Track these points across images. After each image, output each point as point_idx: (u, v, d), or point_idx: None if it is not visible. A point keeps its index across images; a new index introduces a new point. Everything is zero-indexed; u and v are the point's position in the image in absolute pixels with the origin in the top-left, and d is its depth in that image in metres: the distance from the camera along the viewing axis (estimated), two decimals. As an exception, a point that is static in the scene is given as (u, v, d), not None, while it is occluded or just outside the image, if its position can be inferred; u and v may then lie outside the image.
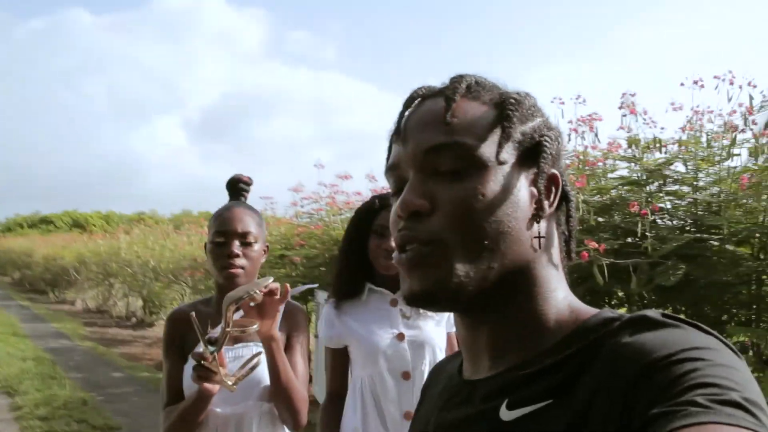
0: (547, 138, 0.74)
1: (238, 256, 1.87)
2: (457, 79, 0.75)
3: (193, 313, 1.59)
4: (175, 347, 1.91)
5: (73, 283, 19.42)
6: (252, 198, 2.10)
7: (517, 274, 0.71)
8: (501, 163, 0.70)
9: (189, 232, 11.91)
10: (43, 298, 21.40)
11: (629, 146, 4.12)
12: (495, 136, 0.71)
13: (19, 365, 8.64)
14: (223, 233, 1.89)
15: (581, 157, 4.11)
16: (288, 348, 1.90)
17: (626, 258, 3.20)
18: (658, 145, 3.89)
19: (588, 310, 0.72)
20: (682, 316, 0.63)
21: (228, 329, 1.51)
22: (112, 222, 39.62)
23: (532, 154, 0.73)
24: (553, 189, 0.75)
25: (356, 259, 2.11)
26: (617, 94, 4.29)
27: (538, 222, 0.72)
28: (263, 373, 1.81)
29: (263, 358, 1.75)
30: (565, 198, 0.77)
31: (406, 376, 2.02)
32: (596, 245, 2.94)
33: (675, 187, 3.77)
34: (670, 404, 0.53)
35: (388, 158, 0.78)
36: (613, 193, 3.92)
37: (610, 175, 4.09)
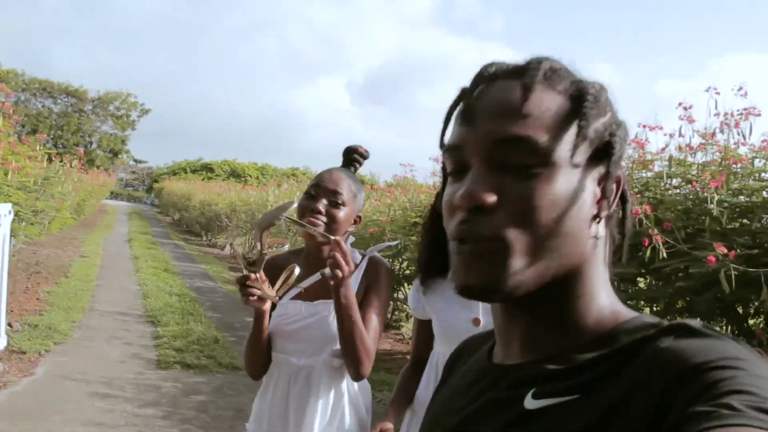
0: (617, 137, 0.71)
1: (321, 212, 1.95)
2: (534, 64, 0.71)
3: (237, 247, 1.81)
4: None
5: (224, 229, 20.59)
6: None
7: (569, 274, 0.70)
8: (576, 165, 0.69)
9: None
10: (196, 240, 22.94)
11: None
12: (570, 134, 0.69)
13: (165, 299, 9.36)
14: (315, 187, 1.99)
15: (724, 153, 3.84)
16: (363, 301, 1.98)
17: (765, 267, 2.99)
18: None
19: (628, 313, 0.71)
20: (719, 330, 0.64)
21: (263, 251, 1.70)
22: (267, 174, 41.43)
23: (601, 152, 0.71)
24: (615, 189, 0.73)
25: (437, 237, 2.11)
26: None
27: (597, 223, 0.71)
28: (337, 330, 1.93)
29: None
30: (623, 199, 0.76)
31: None
32: (725, 250, 2.77)
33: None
34: (704, 406, 0.53)
35: (444, 132, 0.76)
36: (760, 195, 3.66)
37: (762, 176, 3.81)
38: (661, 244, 3.06)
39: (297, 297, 2.02)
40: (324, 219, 1.95)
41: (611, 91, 0.74)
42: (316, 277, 2.00)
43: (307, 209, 1.97)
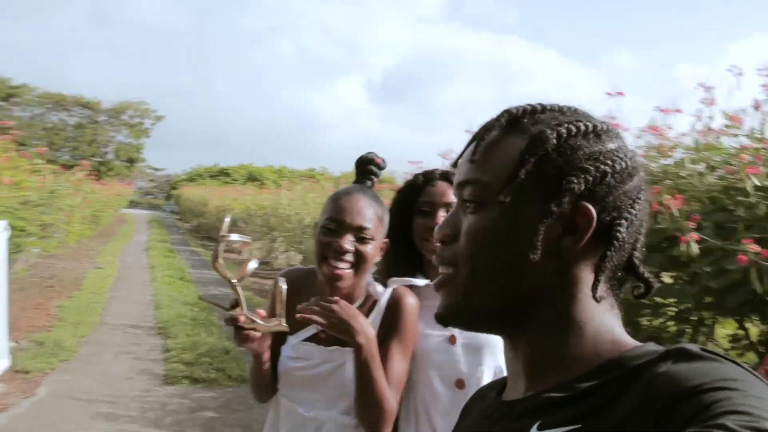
0: (577, 172, 0.72)
1: (348, 251, 1.65)
2: (501, 114, 0.77)
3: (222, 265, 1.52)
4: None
5: (241, 233, 20.49)
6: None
7: (529, 306, 0.74)
8: (501, 201, 0.73)
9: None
10: (214, 246, 22.82)
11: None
12: (518, 174, 0.73)
13: (178, 309, 9.17)
14: (335, 222, 1.67)
15: (762, 136, 3.55)
16: (383, 348, 1.69)
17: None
18: None
19: (631, 342, 0.72)
20: (720, 351, 0.65)
21: (235, 284, 1.51)
22: (284, 176, 41.25)
23: (559, 189, 0.72)
24: (584, 225, 0.72)
25: (401, 246, 1.83)
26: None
27: (559, 257, 0.73)
28: (353, 386, 1.66)
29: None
30: (607, 232, 0.73)
31: (459, 384, 1.75)
32: (758, 248, 2.49)
33: None
34: (698, 427, 0.53)
35: None
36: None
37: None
38: (694, 242, 2.78)
39: (311, 339, 1.75)
40: (351, 259, 1.66)
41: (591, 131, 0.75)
42: None
43: (328, 248, 1.66)
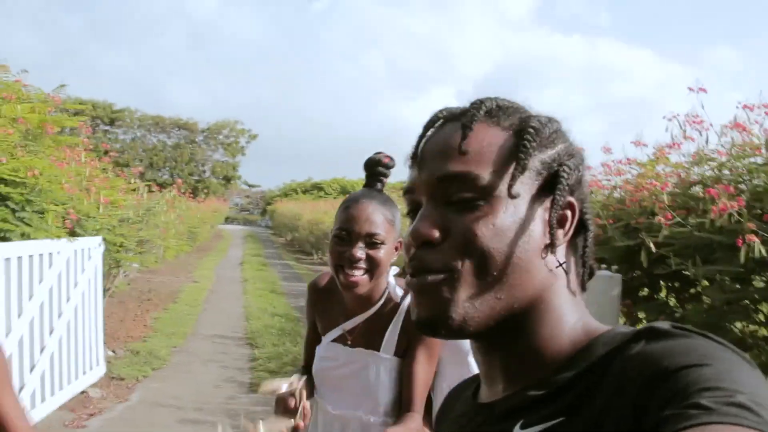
0: (565, 167, 0.72)
1: (360, 259, 1.69)
2: (476, 104, 0.74)
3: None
4: (310, 316, 1.98)
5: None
6: None
7: (527, 304, 0.71)
8: (513, 196, 0.69)
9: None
10: (308, 259, 23.29)
11: None
12: (510, 167, 0.70)
13: (266, 320, 9.43)
14: (346, 230, 1.71)
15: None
16: (408, 353, 1.74)
17: None
18: None
19: (602, 328, 0.72)
20: (690, 326, 0.63)
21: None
22: (376, 189, 41.36)
23: (549, 183, 0.72)
24: (570, 217, 0.73)
25: None
26: None
27: (552, 252, 0.72)
28: (377, 386, 1.74)
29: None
30: (582, 225, 0.75)
31: None
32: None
33: None
34: (674, 408, 0.53)
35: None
36: None
37: None
38: (757, 242, 2.67)
39: (338, 339, 1.82)
40: (364, 265, 1.70)
41: (564, 124, 0.77)
42: (359, 319, 1.79)
43: (341, 257, 1.70)
